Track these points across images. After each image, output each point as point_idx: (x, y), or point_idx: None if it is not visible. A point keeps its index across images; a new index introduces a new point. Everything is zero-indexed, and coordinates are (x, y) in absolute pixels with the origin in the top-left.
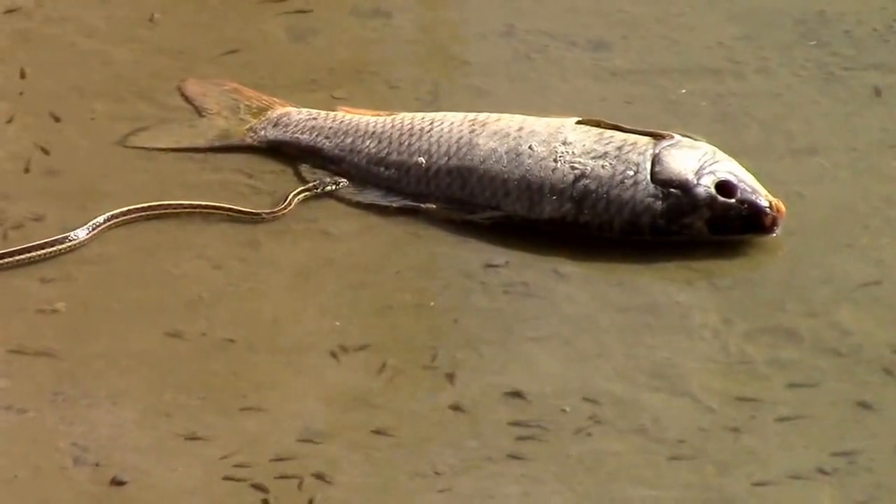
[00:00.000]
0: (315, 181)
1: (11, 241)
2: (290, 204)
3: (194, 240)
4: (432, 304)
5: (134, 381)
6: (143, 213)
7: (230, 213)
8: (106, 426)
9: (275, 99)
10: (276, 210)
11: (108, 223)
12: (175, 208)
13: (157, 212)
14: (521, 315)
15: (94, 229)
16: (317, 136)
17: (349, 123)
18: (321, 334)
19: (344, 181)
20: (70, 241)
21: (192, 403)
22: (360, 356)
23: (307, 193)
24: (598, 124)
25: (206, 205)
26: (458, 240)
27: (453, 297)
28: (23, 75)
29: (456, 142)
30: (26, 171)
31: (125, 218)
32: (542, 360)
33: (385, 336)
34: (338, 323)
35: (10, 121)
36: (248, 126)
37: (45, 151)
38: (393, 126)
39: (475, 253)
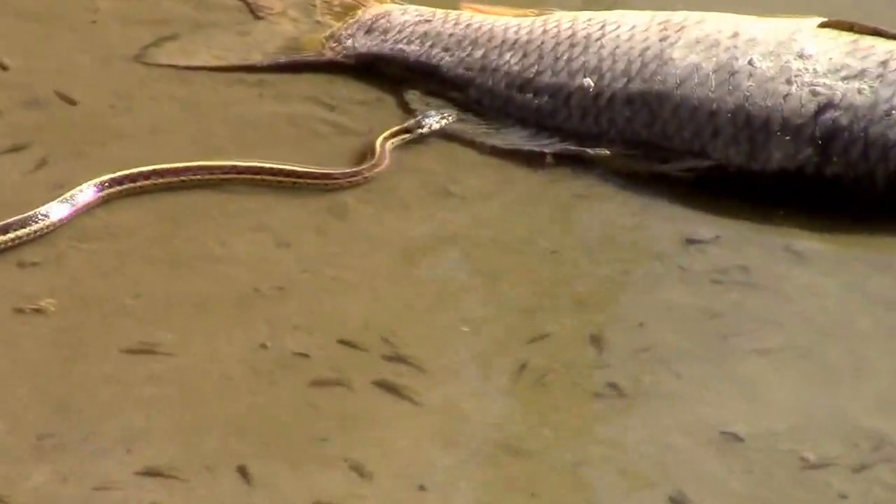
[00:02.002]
0: (423, 116)
1: None
2: (382, 156)
3: (248, 204)
4: (605, 299)
5: (158, 420)
6: (148, 181)
7: (284, 180)
8: (115, 488)
9: None
10: (358, 170)
11: (99, 196)
12: (196, 173)
13: (168, 179)
14: (738, 315)
15: (77, 205)
16: (431, 47)
17: (479, 29)
18: (441, 346)
19: (469, 115)
20: (38, 221)
21: (247, 453)
22: (499, 380)
23: (408, 136)
24: (850, 28)
25: (246, 167)
26: (643, 203)
27: (638, 288)
28: None
29: (640, 55)
30: None
31: (125, 188)
32: (770, 383)
33: (536, 349)
34: (466, 329)
35: None
36: (328, 33)
37: (3, 67)
38: (545, 32)
39: (669, 223)
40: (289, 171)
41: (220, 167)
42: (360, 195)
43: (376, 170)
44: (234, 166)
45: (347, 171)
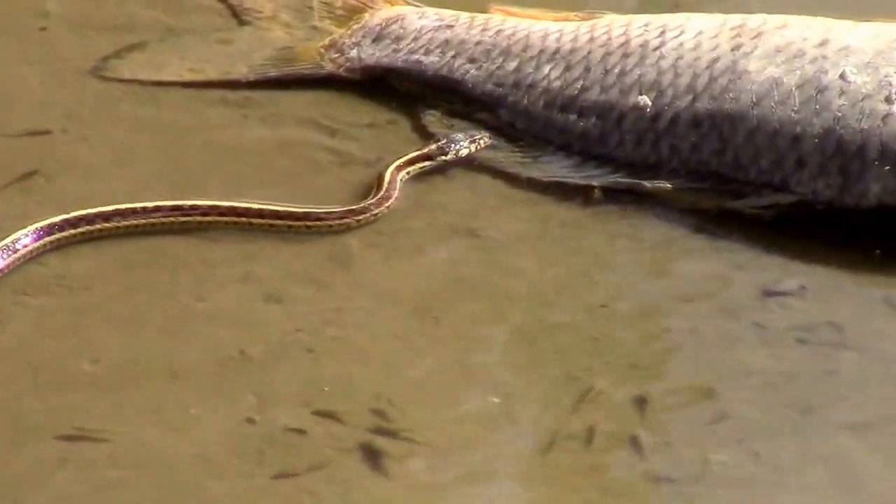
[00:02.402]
0: (447, 140)
1: None
2: (390, 188)
3: (231, 250)
4: (665, 363)
5: None
6: (109, 224)
7: (272, 224)
8: None
9: None
10: (356, 209)
11: (48, 242)
12: (167, 214)
13: (134, 221)
14: (827, 382)
15: (18, 253)
16: (454, 58)
17: (512, 36)
18: (466, 423)
19: (500, 141)
20: None
21: None
22: (535, 463)
23: (427, 164)
24: None
25: (224, 206)
26: (712, 247)
27: (706, 350)
28: None
29: (708, 68)
30: None
31: (80, 231)
32: (867, 466)
33: (580, 425)
34: (497, 400)
35: None
36: (327, 41)
37: None
38: (592, 40)
39: (744, 271)
40: (266, 211)
41: (182, 208)
42: (367, 238)
43: (383, 206)
44: (188, 207)
45: (340, 209)
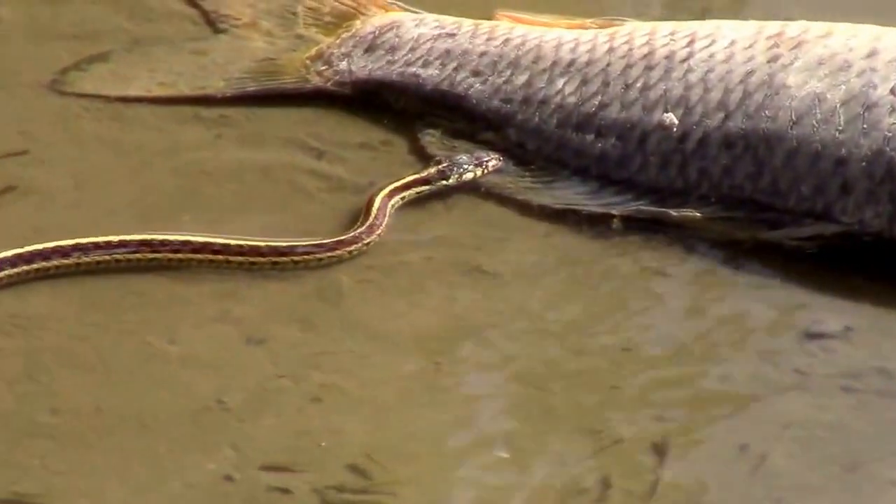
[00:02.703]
0: (450, 162)
1: None
2: (379, 216)
3: (208, 286)
4: (695, 413)
5: None
6: (68, 260)
7: (253, 262)
8: None
9: None
10: (351, 239)
11: None
12: (135, 249)
13: (96, 257)
14: (876, 434)
15: None
16: (456, 70)
17: (521, 46)
18: (470, 481)
19: (509, 164)
20: None
21: None
22: None
23: (426, 189)
24: None
25: (197, 242)
26: (746, 284)
27: (741, 399)
28: None
29: (741, 82)
30: None
31: (35, 268)
32: None
33: (599, 483)
34: (504, 455)
35: None
36: (313, 52)
37: None
38: (612, 51)
39: (783, 311)
40: (247, 248)
41: (151, 243)
42: (358, 273)
43: (374, 235)
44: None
45: (329, 241)
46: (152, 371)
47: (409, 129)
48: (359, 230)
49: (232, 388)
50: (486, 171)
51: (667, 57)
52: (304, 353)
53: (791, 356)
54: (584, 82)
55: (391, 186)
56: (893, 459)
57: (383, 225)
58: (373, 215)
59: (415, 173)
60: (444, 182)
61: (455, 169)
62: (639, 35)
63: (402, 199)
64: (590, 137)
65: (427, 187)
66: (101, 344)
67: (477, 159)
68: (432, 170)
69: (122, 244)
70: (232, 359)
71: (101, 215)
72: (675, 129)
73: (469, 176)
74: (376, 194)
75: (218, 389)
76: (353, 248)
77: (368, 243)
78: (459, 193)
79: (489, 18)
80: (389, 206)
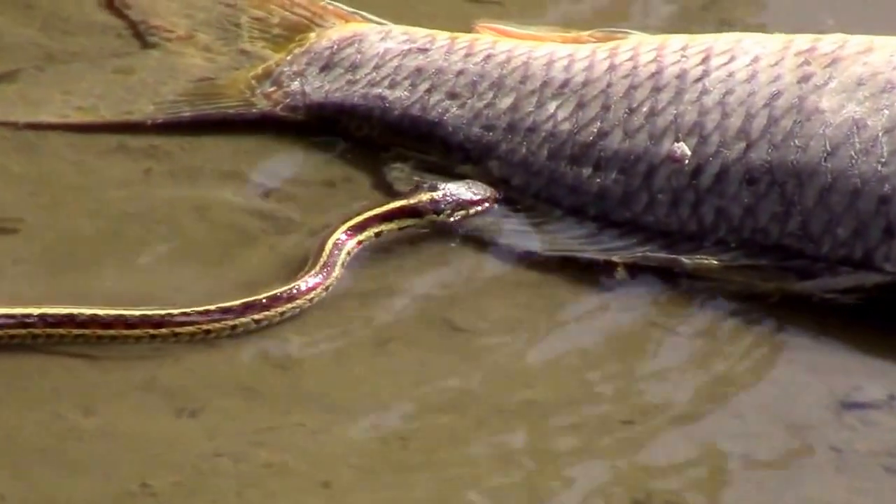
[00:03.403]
0: (438, 192)
1: None
2: (329, 265)
3: (131, 345)
4: (714, 497)
5: None
6: None
7: (154, 335)
8: None
9: (329, 2)
10: (288, 295)
11: None
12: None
13: None
14: None
15: None
16: (428, 92)
17: (506, 64)
18: None
19: (488, 196)
20: None
21: None
22: None
23: (410, 223)
24: None
25: (84, 316)
26: (772, 343)
27: (767, 480)
28: None
29: (766, 106)
30: None
31: None
32: None
33: None
34: None
35: None
36: (260, 70)
37: None
38: (613, 69)
39: (816, 375)
40: (136, 319)
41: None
42: (312, 331)
43: (320, 288)
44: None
45: (256, 299)
46: (64, 450)
47: (373, 163)
48: (285, 289)
49: (159, 469)
50: (483, 209)
51: (678, 77)
52: (246, 427)
53: (825, 429)
54: (581, 106)
55: (351, 222)
56: None
57: (335, 275)
58: (320, 262)
59: (382, 206)
60: (436, 217)
61: (450, 203)
62: (644, 51)
63: (377, 234)
64: (587, 171)
65: (414, 220)
66: (2, 417)
67: (474, 195)
68: (423, 197)
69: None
70: (160, 434)
71: (6, 265)
72: (687, 162)
73: (463, 213)
74: (332, 233)
75: (143, 471)
76: (266, 314)
77: (304, 302)
78: (429, 235)
79: (468, 31)
80: (345, 251)
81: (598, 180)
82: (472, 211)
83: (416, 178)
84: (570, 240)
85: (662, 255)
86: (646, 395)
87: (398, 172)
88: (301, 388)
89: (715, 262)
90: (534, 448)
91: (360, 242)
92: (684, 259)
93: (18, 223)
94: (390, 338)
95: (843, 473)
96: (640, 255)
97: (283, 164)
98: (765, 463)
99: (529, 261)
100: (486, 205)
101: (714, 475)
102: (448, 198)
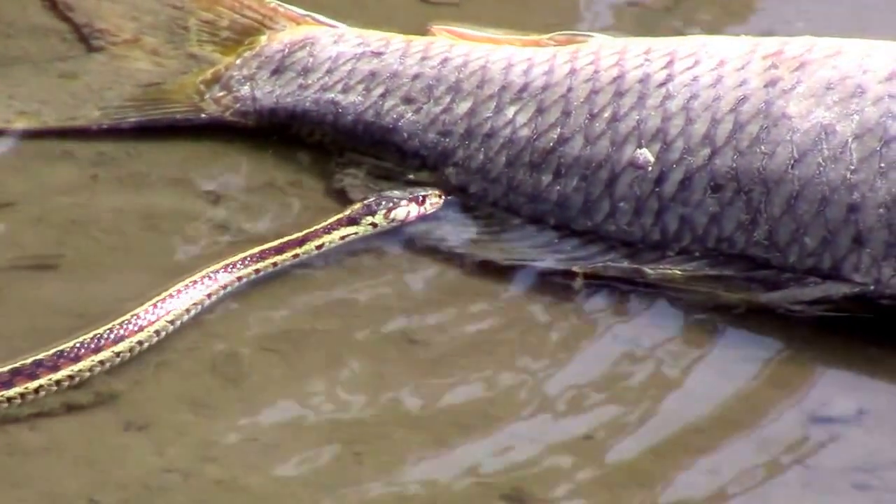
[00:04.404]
0: (378, 199)
1: None
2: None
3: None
4: None
5: None
6: None
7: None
8: None
9: (280, 4)
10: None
11: None
12: None
13: None
14: None
15: None
16: (383, 97)
17: (463, 67)
18: None
19: (448, 210)
20: None
21: None
22: None
23: (352, 234)
24: None
25: None
26: (738, 356)
27: (729, 497)
28: None
29: (732, 111)
30: None
31: None
32: None
33: None
34: None
35: None
36: (209, 74)
37: None
38: (573, 73)
39: (784, 390)
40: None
41: None
42: (264, 342)
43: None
44: None
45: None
46: (9, 466)
47: (325, 169)
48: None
49: (106, 485)
50: (424, 209)
51: (641, 81)
52: (196, 441)
53: (793, 445)
54: (540, 111)
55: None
56: None
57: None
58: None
59: (338, 215)
60: (371, 219)
61: (384, 203)
62: (607, 54)
63: (319, 247)
64: (547, 178)
65: (354, 229)
66: None
67: (412, 194)
68: (358, 206)
69: None
70: (106, 449)
71: None
72: (650, 169)
73: (401, 213)
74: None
75: (89, 486)
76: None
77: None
78: (386, 245)
79: (423, 34)
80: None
81: (559, 188)
82: (410, 212)
83: (370, 185)
84: (529, 249)
85: (625, 264)
86: (607, 409)
87: (351, 179)
88: (253, 401)
89: (679, 273)
90: (490, 464)
91: (296, 255)
92: (647, 269)
93: None
94: (344, 350)
95: (811, 489)
96: (601, 265)
97: (233, 170)
98: (731, 479)
99: (486, 271)
100: (426, 207)
101: (675, 491)
102: (381, 199)
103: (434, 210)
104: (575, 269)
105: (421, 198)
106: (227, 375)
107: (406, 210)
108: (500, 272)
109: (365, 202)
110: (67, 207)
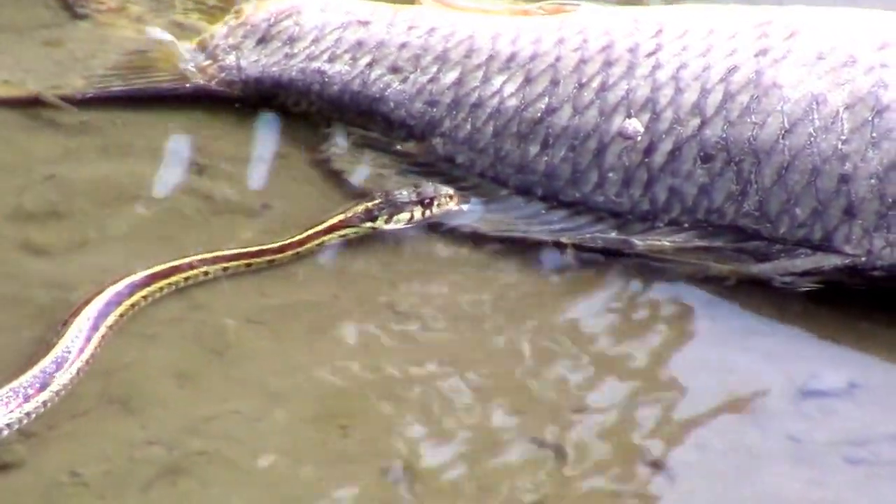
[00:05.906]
0: (375, 202)
1: None
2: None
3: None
4: (666, 489)
5: None
6: None
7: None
8: None
9: None
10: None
11: None
12: None
13: None
14: None
15: None
16: (370, 66)
17: (451, 37)
18: None
19: (435, 181)
20: None
21: None
22: None
23: (345, 232)
24: None
25: None
26: (727, 329)
27: (718, 471)
28: None
29: (722, 80)
30: None
31: None
32: None
33: None
34: None
35: None
36: (195, 43)
37: None
38: (561, 42)
39: (773, 362)
40: None
41: None
42: (249, 314)
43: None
44: None
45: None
46: None
47: (311, 140)
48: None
49: (90, 459)
50: (430, 212)
51: (630, 50)
52: (179, 414)
53: (783, 419)
54: (528, 81)
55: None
56: None
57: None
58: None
59: (331, 217)
60: (371, 224)
61: (386, 209)
62: (595, 24)
63: (320, 245)
64: (534, 149)
65: (353, 230)
66: None
67: (419, 196)
68: (359, 208)
69: None
70: (90, 422)
71: None
72: (639, 139)
73: (404, 218)
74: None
75: (72, 460)
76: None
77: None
78: (399, 233)
79: (411, 3)
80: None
81: (546, 158)
82: (415, 216)
83: (355, 155)
84: (516, 220)
85: (613, 236)
86: (595, 382)
87: (337, 149)
88: (237, 374)
89: (668, 244)
90: (473, 438)
91: (297, 255)
92: (636, 240)
93: None
94: (330, 321)
95: (801, 464)
96: (589, 236)
97: (219, 140)
98: (720, 453)
99: (473, 242)
100: (434, 208)
101: (668, 465)
102: (384, 204)
103: (443, 213)
104: (563, 240)
105: (427, 200)
106: (212, 347)
107: (409, 214)
108: (488, 244)
109: (368, 205)
110: (50, 177)
